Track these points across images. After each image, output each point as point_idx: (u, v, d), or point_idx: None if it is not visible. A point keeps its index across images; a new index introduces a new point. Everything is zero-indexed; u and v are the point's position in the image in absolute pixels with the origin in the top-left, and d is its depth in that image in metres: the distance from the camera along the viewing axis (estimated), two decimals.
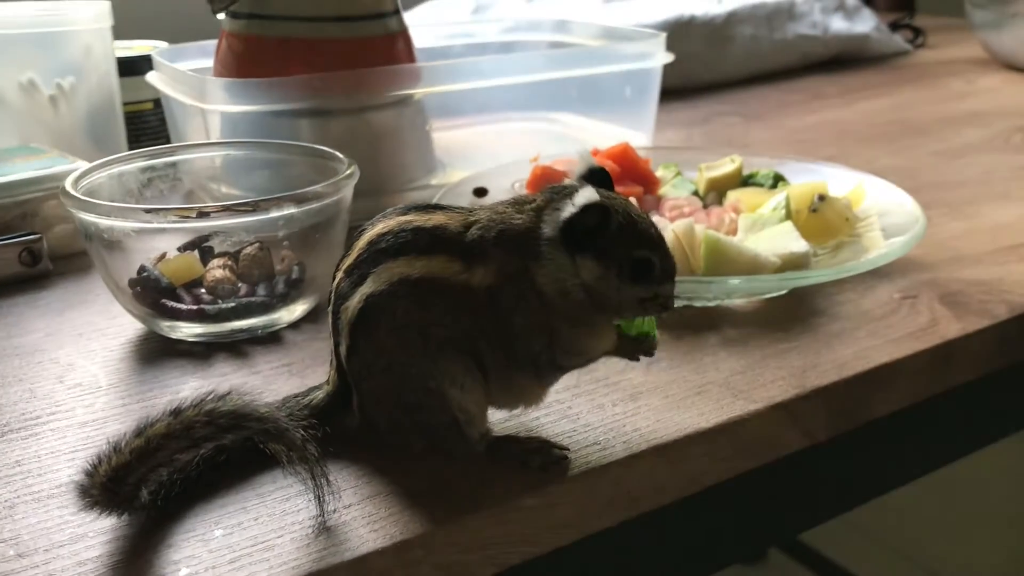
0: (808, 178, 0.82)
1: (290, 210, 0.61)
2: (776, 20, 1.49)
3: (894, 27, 1.70)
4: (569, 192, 0.48)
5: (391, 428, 0.50)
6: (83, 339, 0.66)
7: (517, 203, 0.49)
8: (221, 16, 0.85)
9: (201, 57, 0.98)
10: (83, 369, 0.62)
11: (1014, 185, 0.93)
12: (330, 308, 0.51)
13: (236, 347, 0.64)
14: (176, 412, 0.46)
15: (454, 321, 0.47)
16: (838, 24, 1.54)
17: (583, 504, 0.50)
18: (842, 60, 1.55)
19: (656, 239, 0.48)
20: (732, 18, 1.44)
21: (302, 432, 0.47)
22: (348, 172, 0.66)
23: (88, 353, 0.64)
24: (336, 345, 0.51)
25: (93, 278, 0.77)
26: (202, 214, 0.60)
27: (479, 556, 0.47)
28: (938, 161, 1.03)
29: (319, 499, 0.46)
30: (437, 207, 0.50)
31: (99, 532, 0.46)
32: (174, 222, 0.62)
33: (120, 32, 1.01)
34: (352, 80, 0.83)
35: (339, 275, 0.50)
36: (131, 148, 0.99)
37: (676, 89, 1.34)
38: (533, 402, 0.51)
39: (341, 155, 0.71)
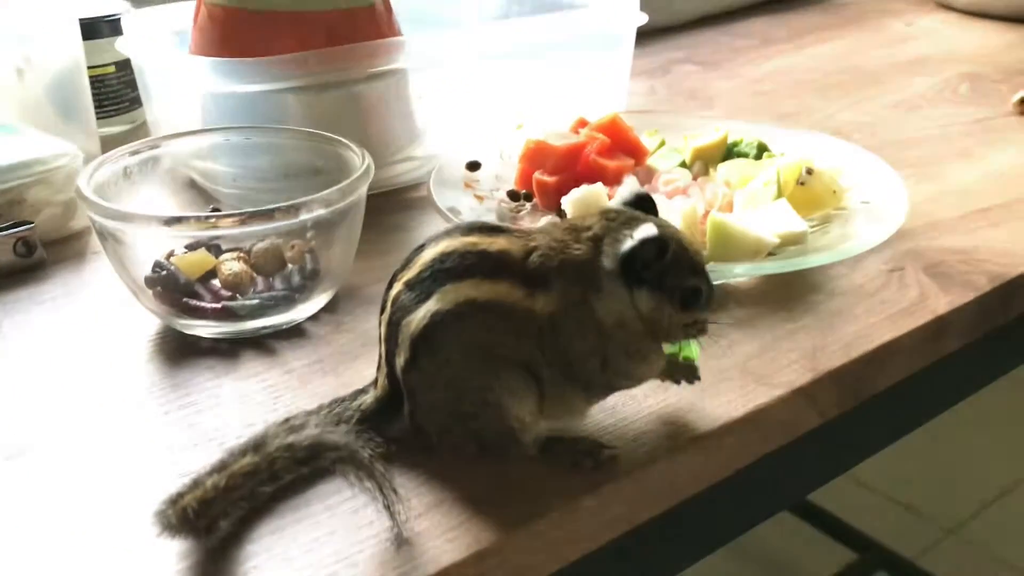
0: (788, 144, 0.85)
1: (319, 212, 0.62)
2: None
3: None
4: (625, 221, 0.51)
5: (443, 434, 0.53)
6: (101, 339, 0.66)
7: (574, 230, 0.51)
8: None
9: (171, 23, 0.95)
10: (112, 373, 0.62)
11: (971, 142, 0.98)
12: (384, 316, 0.52)
13: (260, 343, 0.65)
14: (258, 447, 0.47)
15: (516, 342, 0.50)
16: None
17: (633, 498, 0.53)
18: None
19: (702, 266, 0.52)
20: None
21: (370, 452, 0.49)
22: (365, 167, 0.66)
23: (112, 355, 0.64)
24: (390, 353, 0.52)
25: (89, 265, 0.76)
26: (242, 221, 0.60)
27: (544, 557, 0.50)
28: (894, 115, 1.07)
29: (391, 512, 0.48)
30: (498, 229, 0.52)
31: (181, 557, 0.47)
32: (209, 228, 0.61)
33: None
34: (339, 56, 0.82)
35: (398, 287, 0.52)
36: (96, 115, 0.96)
37: None
38: (578, 417, 0.54)
39: (345, 140, 0.71)
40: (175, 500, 0.46)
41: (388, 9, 0.89)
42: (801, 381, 0.60)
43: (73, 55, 0.93)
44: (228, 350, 0.64)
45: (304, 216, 0.61)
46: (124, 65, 1.02)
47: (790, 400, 0.59)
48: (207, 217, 0.62)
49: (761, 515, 0.65)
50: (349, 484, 0.48)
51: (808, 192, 0.77)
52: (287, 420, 0.50)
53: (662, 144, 0.87)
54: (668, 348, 0.56)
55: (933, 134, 1.01)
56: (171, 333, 0.66)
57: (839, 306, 0.68)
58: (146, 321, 0.68)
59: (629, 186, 0.55)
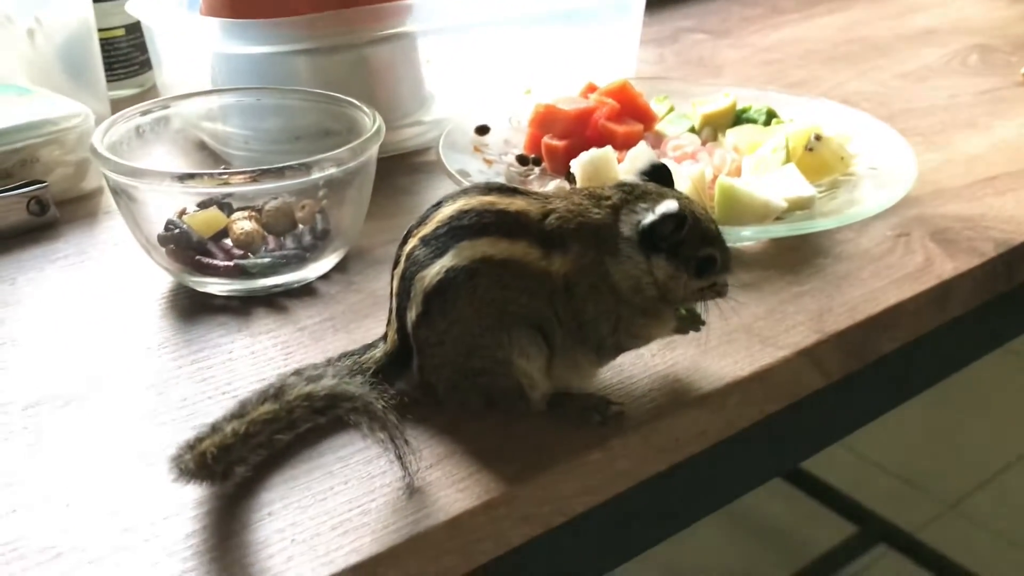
0: (796, 111, 0.85)
1: (330, 170, 0.62)
2: None
3: None
4: (642, 194, 0.52)
5: (451, 389, 0.53)
6: (114, 295, 0.67)
7: (593, 196, 0.52)
8: None
9: None
10: (126, 329, 0.63)
11: (978, 111, 0.98)
12: (398, 271, 0.53)
13: (272, 301, 0.66)
14: (277, 396, 0.48)
15: (530, 301, 0.51)
16: None
17: (639, 453, 0.54)
18: None
19: (717, 235, 0.53)
20: None
21: (383, 402, 0.49)
22: (376, 127, 0.67)
23: (125, 311, 0.65)
24: (401, 308, 0.53)
25: (101, 224, 0.77)
26: (253, 178, 0.60)
27: (551, 508, 0.51)
28: (904, 85, 1.07)
29: (403, 462, 0.49)
30: (516, 191, 0.53)
31: (198, 503, 0.48)
32: (221, 185, 0.62)
33: None
34: (348, 19, 0.82)
35: (413, 242, 0.52)
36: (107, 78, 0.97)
37: None
38: (587, 379, 0.55)
39: (356, 101, 0.71)
40: (193, 445, 0.47)
41: None
42: (806, 342, 0.61)
43: (83, 17, 0.93)
44: (240, 308, 0.65)
45: (316, 175, 0.62)
46: (134, 28, 1.03)
47: (795, 361, 0.60)
48: (219, 174, 0.62)
49: (766, 474, 0.66)
50: (362, 435, 0.49)
51: (816, 158, 0.77)
52: (300, 371, 0.51)
53: (671, 110, 0.87)
54: None
55: (941, 104, 1.01)
56: (184, 291, 0.67)
57: (845, 270, 0.69)
58: (159, 279, 0.68)
59: (645, 156, 0.56)
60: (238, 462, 0.48)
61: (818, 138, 0.78)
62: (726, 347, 0.60)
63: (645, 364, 0.58)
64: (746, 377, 0.58)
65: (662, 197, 0.52)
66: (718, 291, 0.54)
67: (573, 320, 0.52)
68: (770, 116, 0.84)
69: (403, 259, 0.53)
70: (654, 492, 0.56)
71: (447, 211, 0.52)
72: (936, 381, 0.76)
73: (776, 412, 0.60)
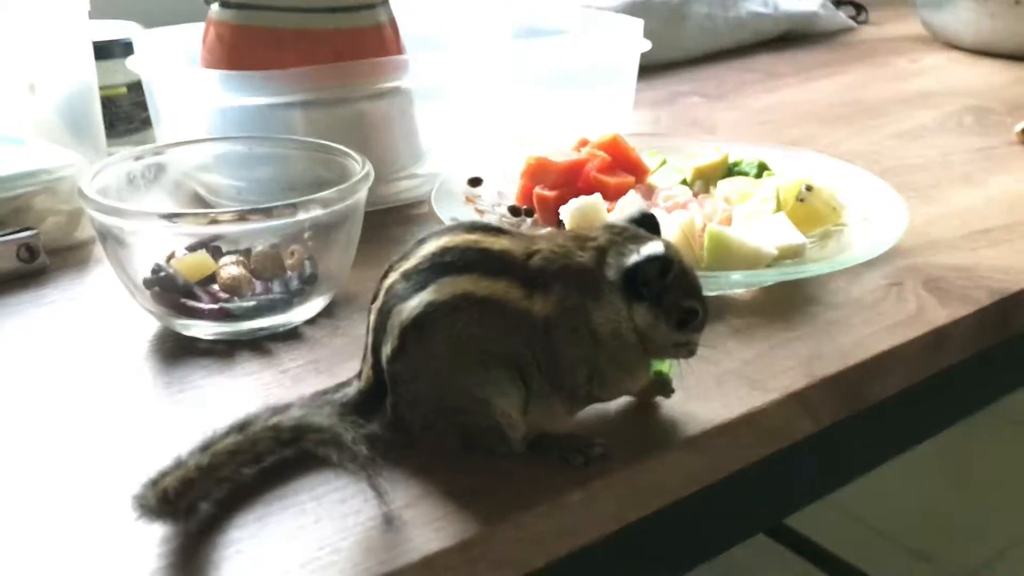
0: (788, 165, 0.85)
1: (316, 212, 0.62)
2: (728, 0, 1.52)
3: (837, 4, 1.75)
4: (631, 237, 0.52)
5: (425, 427, 0.52)
6: (98, 339, 0.67)
7: (578, 239, 0.52)
8: (215, 6, 0.84)
9: (181, 43, 0.96)
10: (107, 371, 0.63)
11: (973, 168, 0.98)
12: (376, 305, 0.52)
13: (257, 345, 0.65)
14: (242, 428, 0.47)
15: (508, 341, 0.50)
16: (787, 3, 1.59)
17: (623, 496, 0.52)
18: (791, 38, 1.59)
19: (700, 290, 0.52)
20: None
21: (353, 433, 0.48)
22: (365, 171, 0.67)
23: (107, 354, 0.65)
24: (377, 343, 0.52)
25: (91, 272, 0.77)
26: (241, 217, 0.60)
27: (532, 550, 0.49)
28: (898, 144, 1.07)
29: (377, 490, 0.48)
30: (501, 230, 0.52)
31: (163, 541, 0.47)
32: (209, 224, 0.62)
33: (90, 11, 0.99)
34: (345, 72, 0.83)
35: (394, 276, 0.52)
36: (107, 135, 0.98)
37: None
38: (559, 427, 0.54)
39: (347, 150, 0.71)
40: (156, 481, 0.46)
41: (394, 30, 0.90)
42: (796, 386, 0.59)
43: (85, 75, 0.94)
44: (224, 351, 0.64)
45: (302, 216, 0.62)
46: (136, 87, 1.04)
47: (785, 404, 0.59)
48: (206, 213, 0.62)
49: (758, 524, 0.64)
50: (332, 466, 0.48)
51: (807, 209, 0.77)
52: (270, 406, 0.50)
53: (663, 163, 0.87)
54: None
55: (936, 161, 1.01)
56: (169, 335, 0.67)
57: (837, 317, 0.68)
58: (145, 323, 0.68)
59: (634, 204, 0.56)
60: (202, 496, 0.47)
61: (809, 188, 0.78)
62: (714, 390, 0.59)
63: (630, 404, 0.57)
64: (734, 419, 0.56)
65: (649, 241, 0.51)
66: (690, 350, 0.53)
67: (550, 364, 0.51)
68: (761, 169, 0.85)
69: (382, 293, 0.52)
70: (640, 537, 0.54)
71: (430, 247, 0.51)
72: (933, 433, 0.75)
73: (766, 457, 0.59)
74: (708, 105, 1.24)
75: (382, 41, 0.88)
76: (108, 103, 1.02)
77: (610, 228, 0.52)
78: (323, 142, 0.73)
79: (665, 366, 0.57)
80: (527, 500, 0.49)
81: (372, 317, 0.53)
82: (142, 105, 1.03)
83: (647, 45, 1.00)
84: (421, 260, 0.51)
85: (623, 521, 0.53)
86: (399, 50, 0.90)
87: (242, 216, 0.60)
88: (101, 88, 1.00)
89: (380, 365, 0.52)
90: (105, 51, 1.01)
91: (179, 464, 0.47)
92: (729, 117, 1.19)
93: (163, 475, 0.46)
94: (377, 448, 0.49)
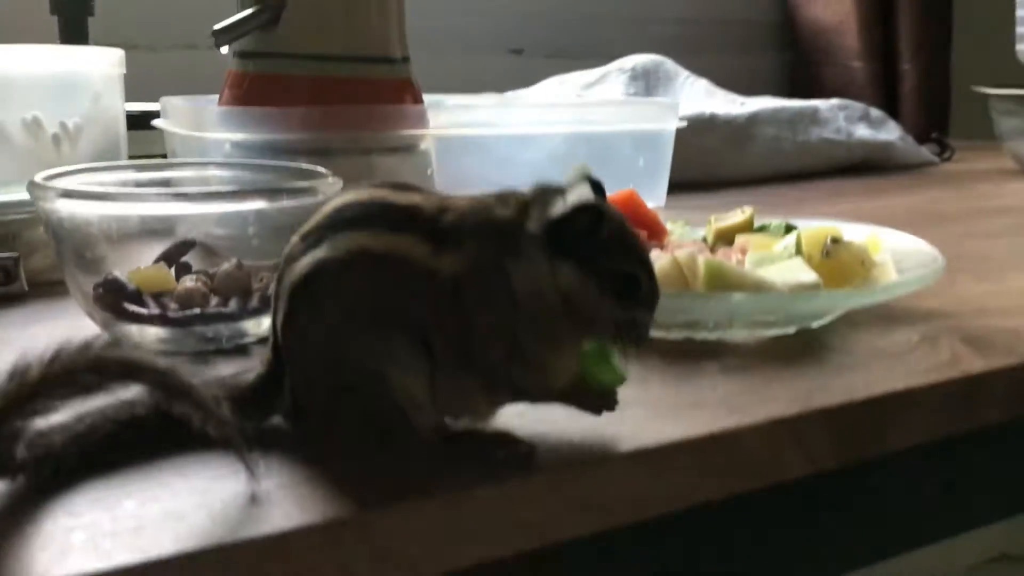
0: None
1: (260, 204, 0.58)
2: (799, 124, 1.48)
3: (921, 141, 1.68)
4: (560, 189, 0.45)
5: (326, 413, 0.45)
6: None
7: (503, 196, 0.45)
8: (224, 50, 0.85)
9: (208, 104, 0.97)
10: None
11: None
12: (276, 275, 0.47)
13: (204, 359, 0.60)
14: (54, 357, 0.41)
15: (410, 306, 0.43)
16: (862, 131, 1.53)
17: (546, 505, 0.44)
18: (865, 168, 1.53)
19: (646, 258, 0.45)
20: (754, 119, 1.43)
21: (214, 392, 0.42)
22: (330, 178, 0.63)
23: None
24: (274, 314, 0.46)
25: (68, 301, 0.74)
26: (179, 196, 0.56)
27: (423, 549, 0.41)
28: (967, 240, 0.98)
29: (244, 462, 0.41)
30: (414, 188, 0.46)
31: None
32: (140, 201, 0.59)
33: (136, 92, 1.01)
34: (352, 116, 0.81)
35: (294, 239, 0.46)
36: None
37: (697, 183, 1.32)
38: (481, 416, 0.46)
39: (323, 170, 0.68)
40: None
41: (415, 93, 0.88)
42: (783, 414, 0.50)
43: (115, 134, 0.95)
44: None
45: (244, 205, 0.58)
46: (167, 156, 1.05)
47: (768, 431, 0.49)
48: (165, 195, 0.59)
49: None
50: (191, 433, 0.42)
51: (834, 264, 0.68)
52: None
53: (685, 224, 0.81)
54: (592, 362, 0.46)
55: (1003, 253, 0.92)
56: None
57: (852, 361, 0.59)
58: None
59: (578, 171, 0.49)
60: (13, 435, 0.40)
61: (836, 241, 0.70)
62: (687, 412, 0.50)
63: (584, 423, 0.48)
64: (700, 438, 0.47)
65: (579, 189, 0.44)
66: (638, 333, 0.44)
67: (460, 335, 0.43)
68: (788, 229, 0.77)
69: (282, 261, 0.46)
70: (566, 565, 0.45)
71: (331, 205, 0.46)
72: (985, 520, 0.63)
73: (746, 494, 0.49)
74: (760, 212, 1.17)
75: (400, 100, 0.87)
76: None
77: (542, 186, 0.46)
78: (298, 165, 0.70)
79: (616, 376, 0.48)
80: (421, 489, 0.41)
81: (273, 286, 0.47)
82: None
83: (680, 123, 0.96)
84: (321, 218, 0.45)
85: (545, 539, 0.44)
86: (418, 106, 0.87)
87: (179, 194, 0.56)
88: (135, 157, 1.01)
89: (278, 342, 0.46)
90: (143, 121, 1.02)
91: None
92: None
93: None
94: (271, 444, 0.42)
